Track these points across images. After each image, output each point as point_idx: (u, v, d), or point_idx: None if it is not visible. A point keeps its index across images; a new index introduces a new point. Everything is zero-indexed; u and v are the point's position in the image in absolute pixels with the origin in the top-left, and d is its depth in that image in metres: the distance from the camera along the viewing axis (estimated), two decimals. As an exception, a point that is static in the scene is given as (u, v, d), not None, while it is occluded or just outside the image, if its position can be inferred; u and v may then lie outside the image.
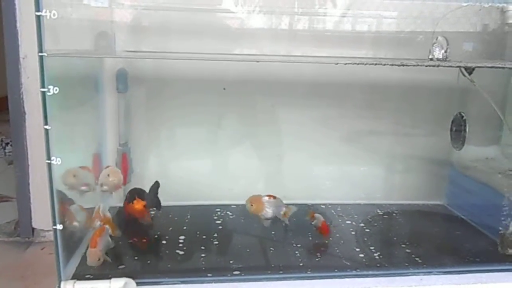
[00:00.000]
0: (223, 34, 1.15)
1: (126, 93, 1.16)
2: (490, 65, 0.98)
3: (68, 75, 0.91)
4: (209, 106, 1.19)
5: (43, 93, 0.74)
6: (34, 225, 1.46)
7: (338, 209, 1.18)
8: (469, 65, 1.00)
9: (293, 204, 1.18)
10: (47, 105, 0.75)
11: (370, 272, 0.88)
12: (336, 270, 0.88)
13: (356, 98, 1.25)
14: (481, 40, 1.16)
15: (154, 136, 1.22)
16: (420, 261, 0.93)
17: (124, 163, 1.16)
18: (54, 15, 0.73)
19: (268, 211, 1.00)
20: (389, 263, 0.93)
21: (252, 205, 1.00)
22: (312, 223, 1.03)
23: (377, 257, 0.94)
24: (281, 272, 0.87)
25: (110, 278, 0.78)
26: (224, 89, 1.18)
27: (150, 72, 1.19)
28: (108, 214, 0.94)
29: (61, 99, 0.77)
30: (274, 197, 1.01)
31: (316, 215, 1.03)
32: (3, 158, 2.36)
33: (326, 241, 1.01)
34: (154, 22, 1.14)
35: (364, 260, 0.94)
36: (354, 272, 0.88)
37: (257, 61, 1.17)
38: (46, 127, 0.75)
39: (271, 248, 0.97)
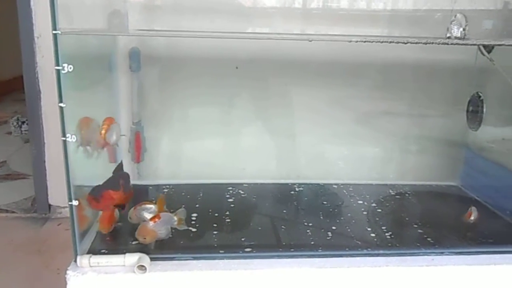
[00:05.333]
0: (236, 12, 1.14)
1: (139, 72, 1.17)
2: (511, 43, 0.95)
3: (82, 54, 0.92)
4: (222, 85, 1.19)
5: (58, 71, 0.75)
6: (50, 202, 1.50)
7: (350, 189, 1.18)
8: (489, 43, 0.97)
9: (305, 184, 1.19)
10: (61, 83, 0.75)
11: (381, 252, 0.88)
12: (347, 249, 0.88)
13: (371, 78, 1.24)
14: (502, 18, 1.13)
15: (167, 115, 1.22)
16: (432, 241, 0.93)
17: (138, 141, 1.18)
18: (67, -8, 0.73)
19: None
20: (400, 243, 0.93)
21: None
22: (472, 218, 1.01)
23: (388, 237, 0.94)
24: (292, 250, 0.88)
25: (124, 253, 0.80)
26: (237, 68, 1.17)
27: (162, 51, 1.19)
28: None
29: (75, 78, 0.77)
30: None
31: (472, 209, 1.02)
32: (19, 136, 2.41)
33: (338, 220, 1.01)
34: (167, 0, 1.13)
35: (375, 239, 0.94)
36: (364, 251, 0.88)
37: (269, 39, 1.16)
38: (61, 104, 0.76)
39: (283, 227, 0.98)
